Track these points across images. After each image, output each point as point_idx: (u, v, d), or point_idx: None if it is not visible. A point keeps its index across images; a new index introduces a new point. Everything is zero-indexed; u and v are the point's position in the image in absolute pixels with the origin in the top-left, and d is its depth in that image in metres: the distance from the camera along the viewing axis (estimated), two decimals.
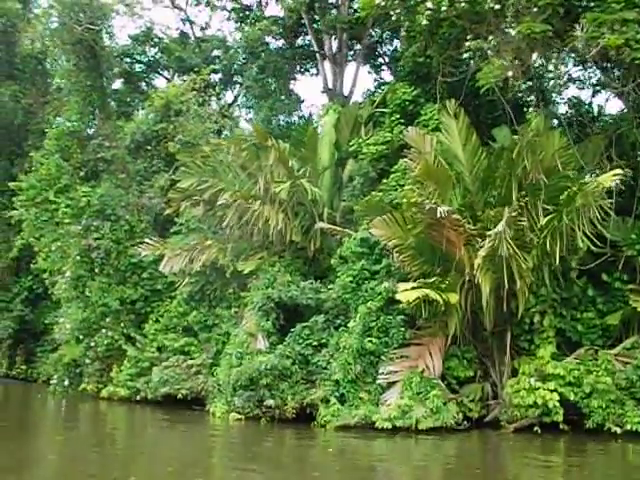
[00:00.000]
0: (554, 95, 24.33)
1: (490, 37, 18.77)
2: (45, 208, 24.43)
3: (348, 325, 19.35)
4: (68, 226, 23.98)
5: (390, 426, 16.87)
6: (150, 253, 23.44)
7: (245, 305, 22.41)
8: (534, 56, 18.87)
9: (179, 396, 21.19)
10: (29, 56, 34.42)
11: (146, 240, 23.52)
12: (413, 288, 17.90)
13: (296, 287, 20.37)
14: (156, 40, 39.88)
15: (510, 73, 18.42)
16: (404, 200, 20.09)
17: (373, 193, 21.72)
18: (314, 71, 35.21)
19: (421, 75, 25.15)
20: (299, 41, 34.54)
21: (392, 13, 20.29)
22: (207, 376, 21.69)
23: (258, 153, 22.86)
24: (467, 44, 18.87)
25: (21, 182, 25.34)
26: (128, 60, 37.46)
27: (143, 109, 34.40)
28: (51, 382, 25.40)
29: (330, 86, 31.53)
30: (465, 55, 20.26)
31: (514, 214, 17.76)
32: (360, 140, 23.29)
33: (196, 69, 33.90)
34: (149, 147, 28.93)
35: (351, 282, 19.86)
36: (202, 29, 38.37)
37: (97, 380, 24.03)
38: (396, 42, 34.29)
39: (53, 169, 24.82)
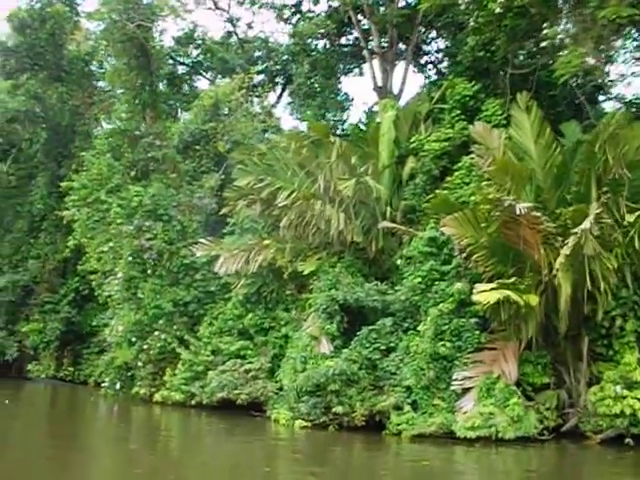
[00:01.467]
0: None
1: (568, 24, 17.33)
2: (97, 208, 23.30)
3: (418, 328, 17.95)
4: (120, 226, 22.81)
5: (474, 436, 15.39)
6: (205, 254, 22.18)
7: (303, 307, 21.16)
8: (619, 42, 17.32)
9: (239, 401, 19.87)
10: (76, 58, 33.48)
11: (200, 240, 22.28)
12: (492, 289, 16.41)
13: (361, 289, 18.96)
14: (199, 42, 38.99)
15: (592, 61, 16.91)
16: (476, 197, 18.71)
17: (437, 191, 20.33)
18: (357, 70, 34.13)
19: (480, 70, 23.82)
20: (342, 40, 33.40)
21: (461, 2, 18.87)
22: (266, 381, 20.38)
23: (316, 151, 21.57)
24: (545, 32, 17.37)
25: (72, 182, 24.26)
26: (171, 62, 36.49)
27: (186, 111, 33.47)
28: (102, 385, 24.25)
29: (379, 84, 30.18)
30: (542, 44, 18.69)
31: (599, 211, 16.25)
32: (421, 137, 21.90)
33: (239, 70, 33.05)
34: (198, 147, 27.86)
35: (420, 283, 18.46)
36: (249, 27, 37.27)
37: (149, 384, 22.78)
38: (440, 41, 33.05)
39: (104, 168, 23.70)
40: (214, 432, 18.52)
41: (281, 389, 20.09)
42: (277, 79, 38.31)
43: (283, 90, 38.68)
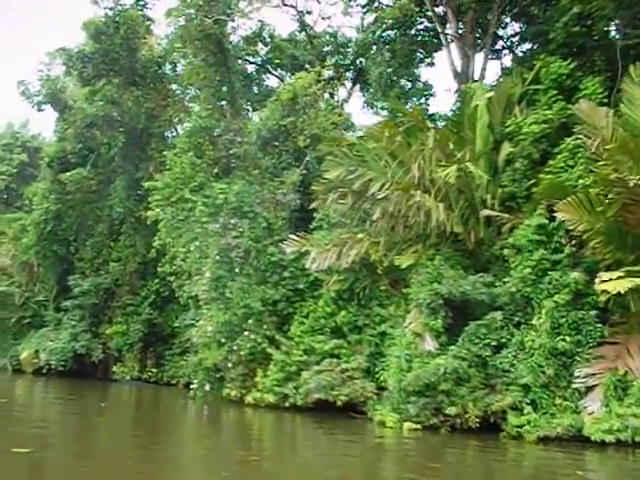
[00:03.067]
0: None
1: None
2: (181, 207, 22.35)
3: (532, 322, 16.28)
4: (205, 225, 21.76)
5: (612, 439, 13.66)
6: (294, 250, 20.93)
7: (398, 303, 19.74)
8: None
9: (338, 403, 18.56)
10: (149, 61, 32.88)
11: (290, 236, 21.03)
12: (619, 277, 14.65)
13: (466, 281, 17.39)
14: (267, 40, 38.00)
15: None
16: (585, 180, 16.96)
17: (541, 176, 18.59)
18: (427, 60, 32.44)
19: (575, 47, 21.91)
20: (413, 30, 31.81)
21: None
22: (364, 380, 19.02)
23: (407, 140, 20.10)
24: None
25: (156, 182, 23.42)
26: (239, 62, 35.56)
27: (255, 111, 32.49)
28: (191, 387, 23.22)
29: (458, 71, 28.47)
30: None
31: None
32: (517, 120, 20.14)
33: (309, 66, 31.85)
34: (277, 143, 26.69)
35: (530, 274, 16.78)
36: (324, 18, 36.05)
37: (240, 385, 21.65)
38: (516, 25, 31.11)
39: (187, 167, 22.73)
40: (318, 436, 17.08)
41: (381, 389, 18.76)
42: (347, 74, 37.06)
43: (354, 84, 37.42)
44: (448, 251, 19.22)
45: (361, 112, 56.94)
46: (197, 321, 28.33)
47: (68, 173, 31.23)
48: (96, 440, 11.43)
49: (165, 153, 24.60)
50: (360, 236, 19.72)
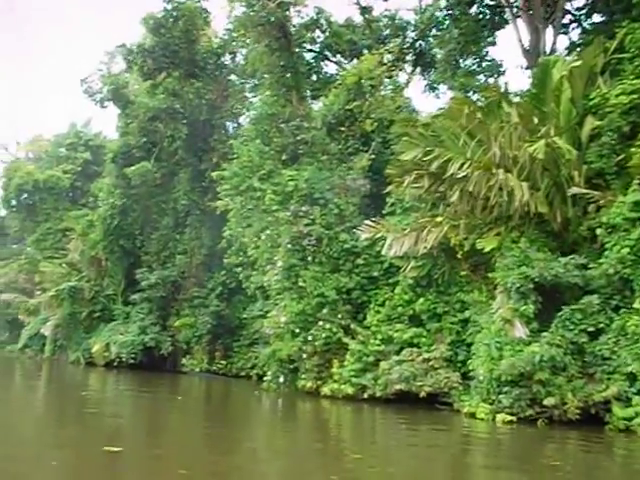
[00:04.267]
0: None
1: None
2: (250, 196, 21.58)
3: (633, 306, 14.92)
4: (276, 213, 20.94)
5: None
6: (369, 236, 19.94)
7: (480, 289, 18.57)
8: None
9: (422, 394, 17.55)
10: (209, 52, 32.36)
11: (365, 222, 20.04)
12: None
13: (558, 263, 16.10)
14: (324, 27, 36.93)
15: None
16: None
17: (632, 149, 17.13)
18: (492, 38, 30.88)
19: None
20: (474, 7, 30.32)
21: None
22: (448, 370, 17.96)
23: (484, 118, 18.83)
24: None
25: (223, 171, 22.74)
26: (297, 50, 34.64)
27: (315, 99, 31.55)
28: (265, 379, 22.53)
29: (526, 47, 26.93)
30: None
31: None
32: (602, 92, 18.65)
33: (367, 51, 30.81)
34: (342, 128, 25.71)
35: (629, 254, 15.40)
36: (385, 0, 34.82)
37: (315, 376, 20.81)
38: None
39: (254, 155, 21.94)
40: (403, 429, 15.95)
41: (466, 378, 17.67)
42: (407, 57, 35.76)
43: (414, 68, 36.12)
44: (533, 233, 17.92)
45: (421, 97, 55.27)
46: (266, 312, 27.72)
47: (133, 167, 30.92)
48: (185, 437, 10.70)
49: (231, 142, 23.88)
50: (439, 219, 18.57)
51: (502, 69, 27.20)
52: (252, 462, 9.61)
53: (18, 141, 60.19)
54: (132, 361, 31.09)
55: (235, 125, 33.35)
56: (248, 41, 26.29)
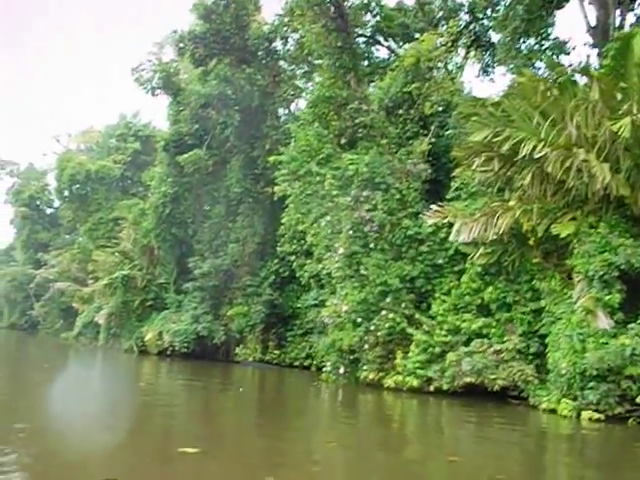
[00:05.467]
0: None
1: None
2: (309, 181, 20.64)
3: None
4: (336, 198, 19.96)
5: None
6: (436, 222, 18.84)
7: (553, 277, 17.31)
8: None
9: (495, 387, 16.44)
10: (260, 38, 31.43)
11: (432, 207, 18.92)
12: None
13: None
14: (375, 10, 35.69)
15: None
16: None
17: None
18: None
19: None
20: None
21: None
22: (521, 362, 16.79)
23: (557, 96, 17.49)
24: None
25: (280, 155, 21.86)
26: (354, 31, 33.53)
27: (367, 83, 30.43)
28: (324, 369, 21.67)
29: (592, 24, 25.33)
30: None
31: None
32: None
33: (420, 35, 29.48)
34: (400, 111, 24.58)
35: None
36: None
37: (378, 368, 19.85)
38: None
39: (312, 139, 20.98)
40: (479, 424, 14.78)
41: (540, 372, 16.50)
42: (461, 40, 34.33)
43: (468, 51, 34.67)
44: (612, 217, 16.59)
45: (473, 81, 53.56)
46: (321, 301, 26.86)
47: (185, 155, 30.29)
48: (259, 435, 9.83)
49: (287, 126, 22.95)
50: (511, 203, 17.34)
51: (567, 47, 25.60)
52: (344, 468, 8.71)
53: (69, 133, 60.60)
54: (185, 350, 30.60)
55: (286, 112, 32.43)
56: (303, 24, 25.25)
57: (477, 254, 18.29)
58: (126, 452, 7.52)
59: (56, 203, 60.44)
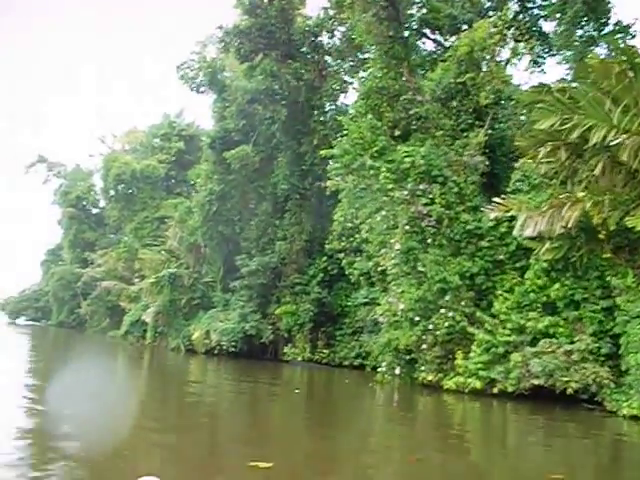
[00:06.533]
0: None
1: None
2: (362, 174, 19.77)
3: None
4: (391, 192, 19.04)
5: None
6: (500, 215, 17.81)
7: (625, 273, 16.13)
8: None
9: (569, 390, 15.37)
10: (306, 32, 30.71)
11: (495, 199, 17.87)
12: None
13: None
14: (422, 1, 34.58)
15: None
16: None
17: None
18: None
19: None
20: None
21: None
22: (595, 364, 15.67)
23: (632, 79, 16.29)
24: None
25: (332, 149, 21.05)
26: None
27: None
28: (378, 369, 20.82)
29: None
30: None
31: None
32: None
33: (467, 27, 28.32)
34: (454, 102, 23.56)
35: None
36: None
37: (436, 369, 18.91)
38: None
39: (365, 131, 20.09)
40: (552, 430, 13.67)
41: (615, 374, 15.37)
42: (509, 31, 32.99)
43: (517, 41, 33.30)
44: None
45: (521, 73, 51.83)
46: (371, 300, 26.03)
47: (232, 151, 29.71)
48: (332, 443, 8.98)
49: (340, 118, 22.12)
50: (580, 195, 16.21)
51: (633, 31, 24.13)
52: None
53: (114, 134, 60.87)
54: (233, 349, 30.09)
55: (333, 107, 31.58)
56: (352, 14, 24.38)
57: (543, 249, 17.19)
58: (194, 466, 6.72)
59: (102, 203, 60.80)
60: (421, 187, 18.85)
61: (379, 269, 20.81)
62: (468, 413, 16.67)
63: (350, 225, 23.25)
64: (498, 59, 32.45)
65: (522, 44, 34.19)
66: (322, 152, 21.69)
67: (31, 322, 63.79)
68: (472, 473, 8.08)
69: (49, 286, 59.68)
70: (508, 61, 34.20)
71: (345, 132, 20.71)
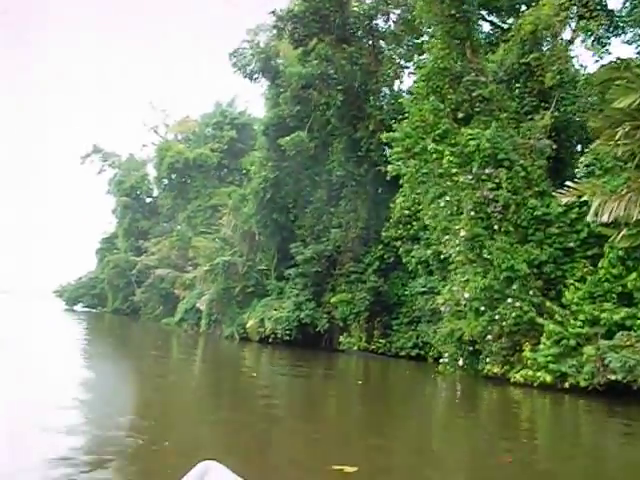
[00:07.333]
0: None
1: None
2: (425, 159, 19.03)
3: None
4: (455, 177, 18.25)
5: None
6: (573, 200, 16.86)
7: None
8: None
9: None
10: (360, 15, 29.95)
11: (567, 183, 16.91)
12: None
13: None
14: None
15: None
16: None
17: None
18: None
19: None
20: None
21: None
22: None
23: None
24: None
25: (394, 132, 20.35)
26: None
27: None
28: (441, 360, 20.13)
29: None
30: None
31: None
32: None
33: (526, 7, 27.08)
34: (518, 84, 22.60)
35: None
36: None
37: (502, 361, 18.11)
38: None
39: (428, 114, 19.33)
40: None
41: None
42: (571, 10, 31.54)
43: (580, 20, 31.84)
44: None
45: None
46: (430, 288, 25.29)
47: (287, 138, 29.24)
48: (419, 447, 8.36)
49: (401, 100, 21.39)
50: None
51: None
52: None
53: (166, 123, 61.22)
54: (287, 338, 29.76)
55: (389, 92, 30.79)
56: None
57: (619, 236, 16.18)
58: (274, 466, 6.21)
59: (155, 192, 61.41)
60: (487, 171, 18.00)
61: (441, 257, 20.02)
62: (542, 409, 15.84)
63: (407, 212, 22.50)
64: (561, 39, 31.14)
65: (586, 22, 32.81)
66: (382, 136, 21.00)
67: (87, 309, 65.03)
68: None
69: (104, 274, 60.66)
70: (571, 41, 32.85)
71: (405, 115, 19.97)
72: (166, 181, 52.89)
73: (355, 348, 28.18)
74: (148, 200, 61.82)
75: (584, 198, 16.48)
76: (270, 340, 30.50)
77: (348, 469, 5.95)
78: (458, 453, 7.51)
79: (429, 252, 23.51)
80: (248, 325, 31.94)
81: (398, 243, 27.23)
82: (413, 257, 26.04)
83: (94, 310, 64.34)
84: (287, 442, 7.50)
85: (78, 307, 65.51)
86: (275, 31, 31.80)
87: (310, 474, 5.88)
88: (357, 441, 8.06)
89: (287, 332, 29.69)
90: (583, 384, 16.07)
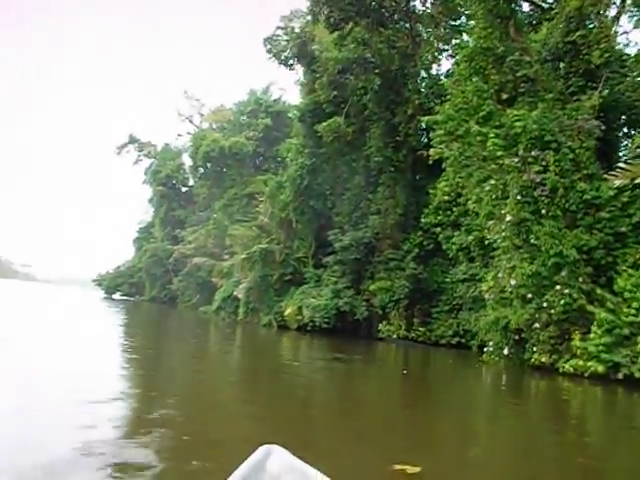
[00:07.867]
0: None
1: None
2: (468, 141, 18.43)
3: None
4: (500, 160, 17.64)
5: None
6: (627, 182, 16.12)
7: None
8: None
9: None
10: None
11: (619, 164, 16.19)
12: None
13: None
14: None
15: None
16: None
17: None
18: None
19: None
20: None
21: None
22: None
23: None
24: None
25: (435, 115, 19.78)
26: None
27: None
28: (485, 349, 19.61)
29: None
30: None
31: None
32: None
33: None
34: (562, 63, 21.80)
35: None
36: None
37: (550, 350, 17.52)
38: None
39: (471, 95, 18.71)
40: None
41: None
42: None
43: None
44: None
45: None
46: (471, 275, 24.76)
47: (324, 123, 28.82)
48: (474, 440, 7.91)
49: (442, 82, 20.80)
50: None
51: None
52: None
53: (201, 112, 61.32)
54: (325, 326, 29.47)
55: (427, 76, 30.12)
56: None
57: None
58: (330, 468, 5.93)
59: (191, 181, 61.68)
60: (533, 154, 17.35)
61: (485, 242, 19.44)
62: (601, 402, 15.17)
63: (447, 198, 21.93)
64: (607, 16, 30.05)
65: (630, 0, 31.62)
66: (423, 119, 20.47)
67: (125, 297, 65.76)
68: None
69: (142, 263, 61.24)
70: (617, 17, 31.70)
71: (447, 98, 19.39)
72: (202, 170, 52.98)
73: (394, 336, 27.80)
74: (184, 189, 62.13)
75: (637, 181, 15.74)
76: (308, 328, 30.25)
77: (409, 469, 5.57)
78: (530, 453, 7.01)
79: (470, 238, 23.00)
80: (286, 313, 31.74)
81: (438, 229, 26.75)
82: (454, 244, 25.54)
83: (132, 298, 65.05)
84: (341, 437, 7.16)
85: (116, 295, 66.32)
86: (310, 16, 31.38)
87: (376, 476, 5.50)
88: (414, 436, 7.67)
89: (325, 320, 29.41)
90: (638, 375, 15.43)
